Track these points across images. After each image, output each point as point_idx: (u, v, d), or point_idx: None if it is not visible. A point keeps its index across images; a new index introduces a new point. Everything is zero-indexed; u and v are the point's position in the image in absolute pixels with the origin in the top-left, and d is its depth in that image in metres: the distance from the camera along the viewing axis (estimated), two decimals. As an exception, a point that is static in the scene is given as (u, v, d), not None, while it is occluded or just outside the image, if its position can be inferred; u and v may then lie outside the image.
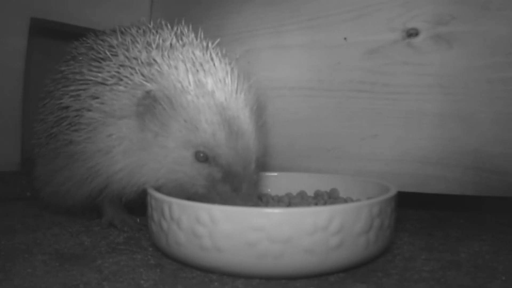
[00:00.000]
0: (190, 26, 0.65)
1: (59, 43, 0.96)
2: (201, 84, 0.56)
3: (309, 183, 0.71)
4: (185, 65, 0.57)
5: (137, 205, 0.66)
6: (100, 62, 0.61)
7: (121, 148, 0.58)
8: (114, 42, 0.63)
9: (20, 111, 0.89)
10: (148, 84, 0.56)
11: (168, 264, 0.54)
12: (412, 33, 0.72)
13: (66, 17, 0.92)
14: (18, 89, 0.88)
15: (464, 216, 0.77)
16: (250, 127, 0.57)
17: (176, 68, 0.56)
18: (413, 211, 0.79)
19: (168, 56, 0.58)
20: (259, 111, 0.64)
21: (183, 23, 0.65)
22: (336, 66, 0.77)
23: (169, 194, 0.55)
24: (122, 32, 0.65)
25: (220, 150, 0.55)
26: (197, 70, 0.56)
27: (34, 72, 0.92)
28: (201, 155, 0.55)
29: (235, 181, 0.55)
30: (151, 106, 0.56)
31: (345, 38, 0.76)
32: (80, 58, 0.65)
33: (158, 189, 0.57)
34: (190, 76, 0.56)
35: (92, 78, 0.60)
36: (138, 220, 0.69)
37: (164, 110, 0.55)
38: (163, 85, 0.56)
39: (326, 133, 0.78)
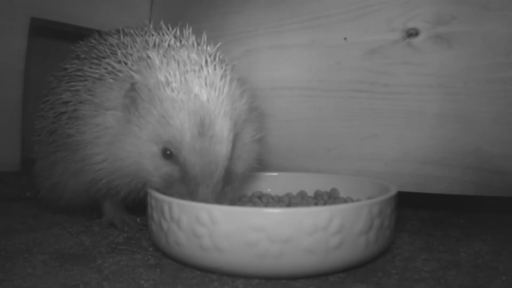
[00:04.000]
0: (191, 29, 0.65)
1: (59, 43, 0.96)
2: (186, 82, 0.55)
3: (309, 183, 0.71)
4: (177, 64, 0.56)
5: (137, 205, 0.66)
6: (100, 60, 0.62)
7: (106, 139, 0.58)
8: (115, 41, 0.64)
9: (20, 111, 0.89)
10: (136, 76, 0.56)
11: (168, 264, 0.54)
12: (412, 33, 0.72)
13: (66, 17, 0.92)
14: (18, 89, 0.89)
15: (464, 216, 0.77)
16: (226, 134, 0.55)
17: (167, 64, 0.56)
18: (413, 211, 0.79)
19: (162, 54, 0.58)
20: (258, 123, 0.63)
21: (187, 25, 0.65)
22: (336, 66, 0.77)
23: (137, 189, 0.57)
24: (124, 33, 0.66)
25: (182, 148, 0.54)
26: (187, 71, 0.56)
27: (34, 72, 0.92)
28: (168, 152, 0.55)
29: (191, 183, 0.54)
30: (134, 98, 0.56)
31: (345, 38, 0.76)
32: (83, 56, 0.66)
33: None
34: (177, 73, 0.55)
35: (90, 74, 0.61)
36: (138, 220, 0.69)
37: (143, 102, 0.55)
38: (146, 77, 0.56)
39: (326, 133, 0.78)
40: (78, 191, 0.64)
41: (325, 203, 0.66)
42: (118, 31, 0.68)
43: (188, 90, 0.54)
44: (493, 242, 0.63)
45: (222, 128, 0.55)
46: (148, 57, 0.58)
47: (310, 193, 0.71)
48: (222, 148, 0.55)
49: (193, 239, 0.49)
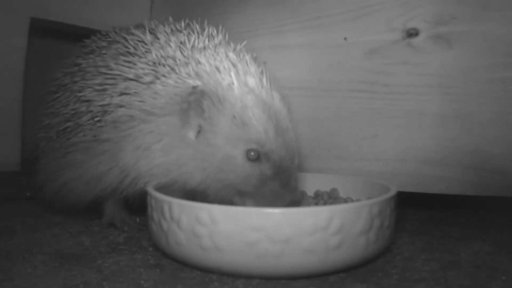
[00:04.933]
0: (220, 27, 0.66)
1: (59, 43, 0.96)
2: (244, 82, 0.56)
3: (309, 183, 0.71)
4: (223, 64, 0.57)
5: (137, 205, 0.66)
6: (129, 57, 0.61)
7: (160, 145, 0.57)
8: (148, 38, 0.62)
9: (20, 111, 0.89)
10: (191, 81, 0.56)
11: (168, 264, 0.54)
12: (412, 33, 0.72)
13: (66, 17, 0.92)
14: (18, 89, 0.88)
15: (464, 216, 0.77)
16: (291, 123, 0.58)
17: (216, 67, 0.57)
18: (413, 211, 0.79)
19: (206, 56, 0.58)
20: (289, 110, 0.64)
21: (206, 23, 0.67)
22: (336, 66, 0.77)
23: (215, 195, 0.57)
24: (150, 30, 0.64)
25: (273, 146, 0.55)
26: (238, 71, 0.57)
27: (34, 72, 0.92)
28: (252, 153, 0.55)
29: (285, 176, 0.56)
30: (197, 102, 0.55)
31: (345, 38, 0.76)
32: (103, 51, 0.64)
33: (159, 188, 0.57)
34: (232, 74, 0.56)
35: (121, 73, 0.59)
36: (138, 220, 0.69)
37: (212, 106, 0.55)
38: (208, 81, 0.56)
39: (326, 133, 0.78)
40: (89, 197, 0.63)
41: (325, 203, 0.66)
42: (138, 26, 0.66)
43: (250, 90, 0.56)
44: (493, 242, 0.63)
45: (288, 120, 0.58)
46: (198, 60, 0.58)
47: (310, 193, 0.71)
48: (295, 139, 0.58)
49: (193, 239, 0.49)
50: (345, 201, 0.66)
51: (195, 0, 0.91)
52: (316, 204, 0.66)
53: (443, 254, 0.58)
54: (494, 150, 0.69)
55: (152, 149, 0.57)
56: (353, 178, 0.70)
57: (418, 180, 0.72)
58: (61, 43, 0.92)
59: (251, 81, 0.57)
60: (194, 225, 0.49)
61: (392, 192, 0.55)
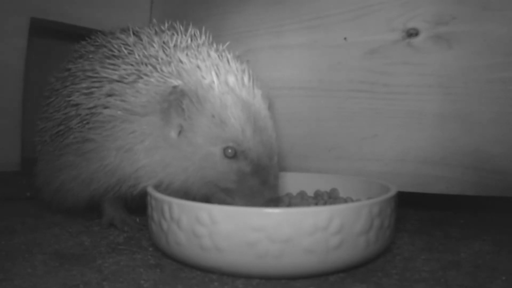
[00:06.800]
0: (204, 29, 0.66)
1: (59, 43, 0.96)
2: (224, 81, 0.57)
3: (309, 183, 0.71)
4: (205, 63, 0.58)
5: (137, 205, 0.66)
6: (113, 60, 0.61)
7: (144, 146, 0.58)
8: (131, 40, 0.63)
9: (20, 111, 0.89)
10: (172, 80, 0.56)
11: (168, 264, 0.54)
12: (412, 33, 0.72)
13: (66, 17, 0.92)
14: (18, 89, 0.88)
15: (464, 216, 0.77)
16: (271, 122, 0.59)
17: (198, 66, 0.57)
18: (413, 211, 0.79)
19: (188, 55, 0.59)
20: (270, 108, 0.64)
21: (190, 24, 0.66)
22: (336, 66, 0.77)
23: (198, 192, 0.57)
24: (134, 32, 0.65)
25: (250, 144, 0.56)
26: (219, 70, 0.57)
27: (34, 72, 0.92)
28: (229, 150, 0.56)
29: (263, 173, 0.56)
30: (177, 102, 0.56)
31: (345, 38, 0.76)
32: (90, 56, 0.65)
33: (157, 187, 0.57)
34: (213, 73, 0.57)
35: (106, 75, 0.60)
36: (138, 220, 0.69)
37: (191, 105, 0.56)
38: (188, 81, 0.56)
39: (326, 133, 0.78)
40: (84, 197, 0.63)
41: (325, 203, 0.66)
42: (124, 30, 0.67)
43: (230, 89, 0.56)
44: (493, 242, 0.63)
45: (268, 119, 0.58)
46: (179, 59, 0.58)
47: (310, 193, 0.71)
48: (274, 136, 0.59)
49: (193, 239, 0.49)
50: (345, 201, 0.66)
51: (195, 0, 0.91)
52: (316, 204, 0.66)
53: (443, 254, 0.58)
54: (494, 150, 0.69)
55: (135, 150, 0.58)
56: (353, 178, 0.70)
57: (418, 180, 0.72)
58: (61, 43, 0.92)
59: (232, 80, 0.57)
60: (194, 225, 0.49)
61: (392, 192, 0.55)
